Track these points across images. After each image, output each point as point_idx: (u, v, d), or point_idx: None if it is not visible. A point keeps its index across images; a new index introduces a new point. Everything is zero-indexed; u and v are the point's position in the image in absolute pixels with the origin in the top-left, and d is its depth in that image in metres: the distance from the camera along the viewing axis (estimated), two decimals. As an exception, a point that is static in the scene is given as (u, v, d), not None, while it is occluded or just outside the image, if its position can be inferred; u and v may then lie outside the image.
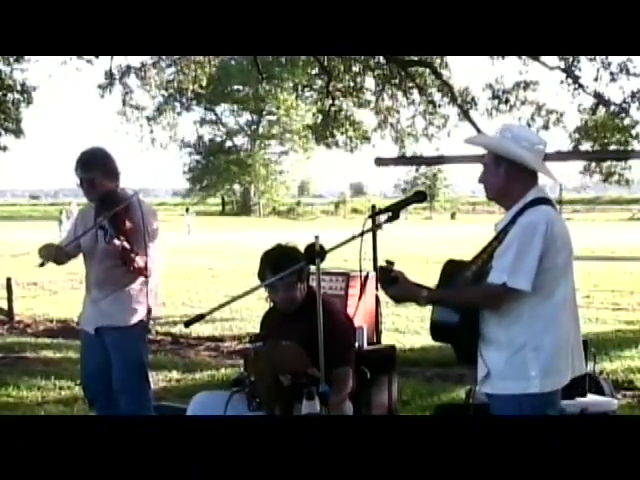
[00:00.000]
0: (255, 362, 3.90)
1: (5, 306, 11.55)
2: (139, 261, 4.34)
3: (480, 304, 3.16)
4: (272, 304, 4.21)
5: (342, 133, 15.01)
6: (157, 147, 46.45)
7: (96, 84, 14.71)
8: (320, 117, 15.52)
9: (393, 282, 3.14)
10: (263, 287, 3.94)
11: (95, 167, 4.47)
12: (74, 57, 12.80)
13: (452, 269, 3.26)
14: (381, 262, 3.22)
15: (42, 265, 4.47)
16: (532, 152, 3.18)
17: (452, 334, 3.23)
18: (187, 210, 42.00)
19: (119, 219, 4.33)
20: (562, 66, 12.05)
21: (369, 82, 14.57)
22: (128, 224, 4.35)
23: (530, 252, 3.03)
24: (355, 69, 14.09)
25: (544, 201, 3.16)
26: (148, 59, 14.28)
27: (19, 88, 16.06)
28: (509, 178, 3.17)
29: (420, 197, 3.33)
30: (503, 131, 3.24)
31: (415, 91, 13.86)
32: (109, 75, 14.11)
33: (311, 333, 3.43)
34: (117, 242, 4.23)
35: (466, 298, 3.16)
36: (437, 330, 3.27)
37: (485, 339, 3.17)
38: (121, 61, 14.07)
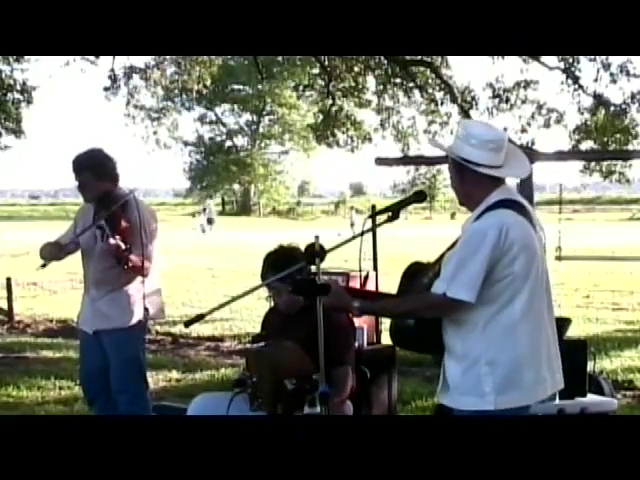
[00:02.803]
0: (256, 362, 3.90)
1: (5, 306, 11.53)
2: (135, 260, 4.33)
3: (423, 314, 2.99)
4: (273, 304, 4.21)
5: (343, 132, 14.98)
6: (158, 147, 46.46)
7: (98, 84, 14.67)
8: (321, 117, 15.48)
9: (324, 291, 3.05)
10: (264, 288, 3.94)
11: (85, 170, 4.53)
12: (77, 58, 12.79)
13: (414, 271, 3.14)
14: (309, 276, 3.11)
15: (44, 266, 4.51)
16: (483, 150, 2.92)
17: (409, 339, 3.13)
18: (204, 210, 41.68)
19: (115, 218, 4.34)
20: (562, 67, 12.05)
21: (370, 82, 14.56)
22: (124, 223, 4.35)
23: (473, 261, 2.81)
24: (356, 69, 14.06)
25: (506, 203, 2.91)
26: (151, 59, 14.26)
27: (19, 88, 16.02)
28: (465, 181, 3.00)
29: (420, 197, 3.25)
30: (458, 130, 3.04)
31: (416, 91, 13.84)
32: (113, 76, 14.09)
33: (312, 333, 3.43)
34: (112, 241, 4.23)
35: (404, 309, 3.02)
36: (395, 335, 3.19)
37: (445, 347, 3.02)
38: (124, 61, 14.07)
